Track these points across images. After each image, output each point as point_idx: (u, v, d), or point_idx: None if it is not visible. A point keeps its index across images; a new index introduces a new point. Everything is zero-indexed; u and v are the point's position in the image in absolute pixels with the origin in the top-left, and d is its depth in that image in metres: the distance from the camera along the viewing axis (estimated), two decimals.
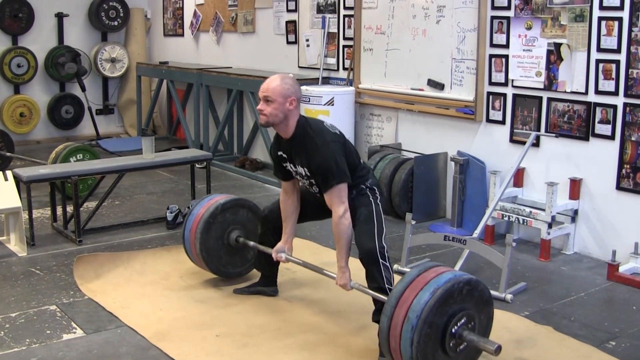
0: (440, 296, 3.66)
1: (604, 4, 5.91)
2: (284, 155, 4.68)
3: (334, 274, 4.61)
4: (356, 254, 4.47)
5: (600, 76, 6.00)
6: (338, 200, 4.42)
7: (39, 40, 11.55)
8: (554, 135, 6.34)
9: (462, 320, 3.75)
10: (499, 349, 3.70)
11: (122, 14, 12.11)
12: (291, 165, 4.67)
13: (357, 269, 4.57)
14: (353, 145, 4.80)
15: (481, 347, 3.77)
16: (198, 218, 5.34)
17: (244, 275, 5.54)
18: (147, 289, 5.44)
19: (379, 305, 4.45)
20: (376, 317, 4.48)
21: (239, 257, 5.51)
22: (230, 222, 5.43)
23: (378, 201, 4.62)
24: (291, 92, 4.48)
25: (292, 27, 9.41)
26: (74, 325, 4.80)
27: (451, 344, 3.74)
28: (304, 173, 4.59)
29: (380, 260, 4.37)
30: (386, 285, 4.36)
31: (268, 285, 5.30)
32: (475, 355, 3.94)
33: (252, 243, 5.31)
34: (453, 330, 3.72)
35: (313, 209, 4.88)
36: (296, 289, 5.42)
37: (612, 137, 5.99)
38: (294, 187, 4.85)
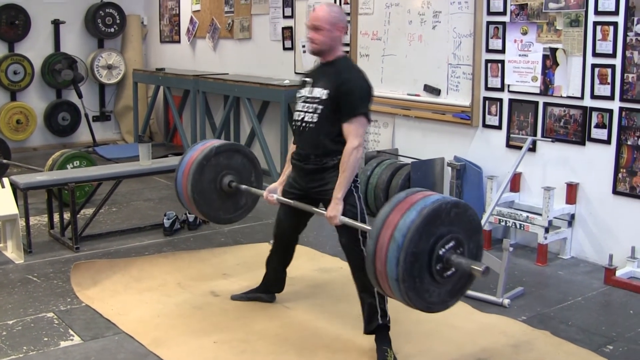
0: (427, 215, 3.56)
1: (599, 9, 5.93)
2: (308, 80, 4.71)
3: (324, 211, 4.51)
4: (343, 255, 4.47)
5: (596, 81, 6.02)
6: (355, 132, 4.39)
7: (36, 47, 11.56)
8: (550, 140, 6.35)
9: (450, 244, 3.64)
10: (487, 270, 3.55)
11: (118, 21, 12.11)
12: (308, 90, 4.64)
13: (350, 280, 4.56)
14: None
15: (467, 268, 3.61)
16: (192, 160, 5.22)
17: (233, 222, 5.41)
18: (145, 296, 5.44)
19: (366, 315, 4.49)
20: (368, 328, 4.51)
21: (231, 202, 5.37)
22: (224, 166, 5.28)
23: (358, 184, 4.55)
24: (338, 20, 4.56)
25: (288, 34, 9.42)
26: (72, 332, 4.80)
27: (438, 267, 3.62)
28: (317, 96, 4.54)
29: (361, 239, 4.39)
30: (375, 289, 4.33)
31: (266, 292, 5.30)
32: (463, 285, 3.81)
33: (244, 187, 5.23)
34: (440, 253, 3.61)
35: (291, 224, 4.94)
36: (293, 294, 5.42)
37: (608, 142, 6.00)
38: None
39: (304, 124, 4.59)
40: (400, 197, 3.79)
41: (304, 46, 9.10)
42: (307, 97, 4.62)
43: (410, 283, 3.57)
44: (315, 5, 4.60)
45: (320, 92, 4.52)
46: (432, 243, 3.60)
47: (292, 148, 4.81)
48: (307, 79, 4.72)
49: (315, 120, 4.52)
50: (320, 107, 4.50)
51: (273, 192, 4.89)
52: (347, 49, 8.33)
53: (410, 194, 3.79)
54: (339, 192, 4.40)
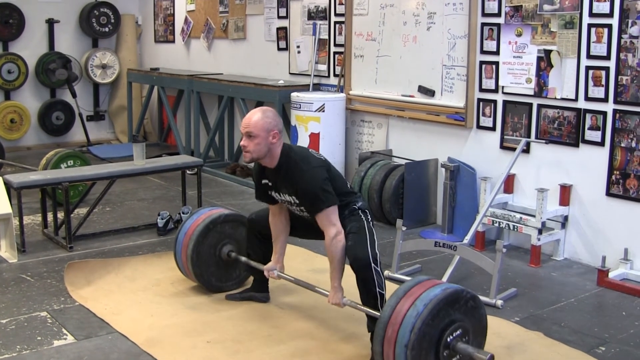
0: (450, 294, 3.78)
1: (594, 11, 5.94)
2: (269, 184, 4.70)
3: (326, 292, 4.61)
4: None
5: (590, 83, 6.03)
6: (329, 223, 4.43)
7: (30, 46, 11.55)
8: (544, 141, 6.36)
9: (458, 332, 3.78)
10: (492, 358, 3.72)
11: (113, 20, 12.11)
12: (277, 194, 4.69)
13: (351, 286, 4.56)
14: (338, 171, 4.81)
15: (474, 357, 3.77)
16: (199, 221, 5.36)
17: (222, 291, 5.44)
18: (138, 296, 5.44)
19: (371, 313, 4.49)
20: (371, 327, 4.49)
21: (224, 272, 5.48)
22: (227, 235, 5.44)
23: (370, 219, 4.62)
24: (273, 125, 4.50)
25: (283, 34, 9.42)
26: (65, 331, 4.79)
27: (445, 354, 3.75)
28: (292, 201, 4.61)
29: (372, 265, 4.36)
30: (377, 289, 4.36)
31: (260, 290, 5.30)
32: None
33: (243, 258, 5.31)
34: (448, 340, 3.74)
35: (304, 228, 4.89)
36: (287, 295, 5.42)
37: (602, 144, 6.01)
38: (281, 208, 4.87)
39: (298, 214, 4.73)
40: (420, 280, 4.00)
41: (298, 47, 9.11)
42: (284, 201, 4.70)
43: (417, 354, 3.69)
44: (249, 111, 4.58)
45: (290, 197, 4.60)
46: (443, 327, 3.75)
47: (271, 219, 4.91)
48: (265, 182, 4.72)
49: (308, 215, 4.61)
50: (302, 206, 4.59)
51: (272, 270, 4.97)
52: (342, 50, 8.35)
53: (425, 280, 3.99)
54: (335, 281, 4.52)
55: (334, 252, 4.43)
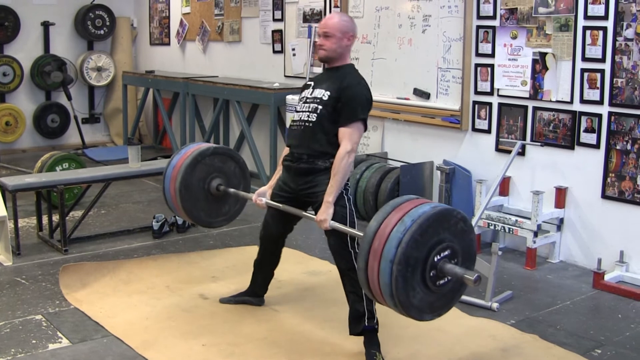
0: (440, 211, 3.65)
1: (589, 14, 5.95)
2: (309, 83, 4.76)
3: (313, 216, 4.51)
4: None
5: (585, 85, 6.04)
6: (349, 138, 4.43)
7: (25, 49, 11.53)
8: (539, 144, 6.36)
9: (446, 252, 3.65)
10: (478, 279, 3.57)
11: (108, 23, 12.10)
12: (310, 91, 4.68)
13: (339, 283, 4.56)
14: None
15: (460, 277, 3.62)
16: (186, 154, 5.25)
17: (213, 226, 5.39)
18: (133, 299, 5.43)
19: (352, 316, 4.50)
20: (355, 329, 4.50)
21: (214, 206, 5.36)
22: (216, 168, 5.31)
23: (350, 197, 4.56)
24: (349, 28, 4.60)
25: (278, 37, 9.42)
26: (60, 334, 4.78)
27: (431, 274, 3.61)
28: (318, 96, 4.57)
29: (356, 266, 4.34)
30: (363, 291, 4.34)
31: (254, 296, 5.29)
32: (454, 295, 3.81)
33: (232, 190, 5.25)
34: (435, 260, 3.61)
35: (278, 228, 4.93)
36: (282, 298, 5.41)
37: (597, 146, 6.02)
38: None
39: (301, 123, 4.62)
40: (409, 197, 3.86)
41: (293, 49, 9.10)
42: (308, 98, 4.66)
43: (406, 301, 3.58)
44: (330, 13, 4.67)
45: (322, 93, 4.56)
46: (430, 247, 3.61)
47: (284, 151, 4.81)
48: (309, 82, 4.77)
49: (313, 119, 4.54)
50: (320, 107, 4.53)
51: (262, 196, 4.88)
52: None
53: (414, 198, 3.84)
54: (329, 196, 4.40)
55: (342, 166, 4.39)
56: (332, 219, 4.38)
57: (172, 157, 5.38)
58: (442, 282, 3.68)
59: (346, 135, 4.44)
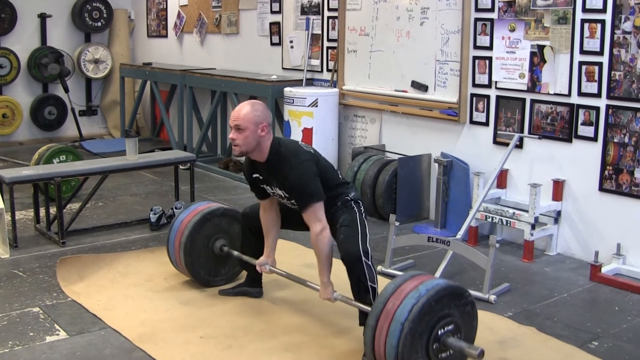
0: (451, 287, 3.83)
1: (587, 7, 5.94)
2: (260, 177, 4.69)
3: (318, 286, 4.61)
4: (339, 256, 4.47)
5: (583, 78, 6.03)
6: (314, 218, 4.43)
7: (22, 41, 11.52)
8: (537, 136, 6.37)
9: (450, 327, 3.78)
10: (481, 354, 3.70)
11: (105, 15, 12.08)
12: (268, 187, 4.69)
13: (342, 280, 4.57)
14: (328, 162, 4.80)
15: (465, 352, 3.76)
16: (197, 211, 5.38)
17: (209, 286, 5.42)
18: (131, 291, 5.43)
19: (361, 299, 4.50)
20: (362, 321, 4.49)
21: (214, 266, 5.46)
22: (222, 229, 5.45)
23: (362, 210, 4.63)
24: (262, 118, 4.49)
25: (276, 29, 9.41)
26: (57, 327, 4.78)
27: (434, 347, 3.74)
28: (282, 194, 4.61)
29: (364, 259, 4.37)
30: (369, 283, 4.38)
31: (253, 285, 5.30)
32: None
33: (236, 253, 5.30)
34: (439, 333, 3.74)
35: (296, 220, 4.87)
36: (280, 290, 5.41)
37: (594, 139, 6.02)
38: (272, 203, 4.86)
39: (290, 207, 4.72)
40: (407, 275, 4.01)
41: (291, 42, 9.09)
42: (275, 194, 4.70)
43: (409, 348, 3.67)
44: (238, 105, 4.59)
45: (280, 191, 4.61)
46: (438, 317, 3.76)
47: (262, 214, 4.91)
48: (256, 176, 4.72)
49: (296, 207, 4.59)
50: (292, 200, 4.58)
51: (264, 265, 4.96)
52: (335, 44, 8.34)
53: (412, 277, 3.97)
54: (323, 277, 4.53)
55: (320, 247, 4.44)
56: (341, 225, 4.50)
57: (181, 212, 5.51)
58: (444, 355, 3.82)
59: (310, 218, 4.45)
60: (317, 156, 4.66)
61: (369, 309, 4.05)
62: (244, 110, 4.49)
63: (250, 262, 5.10)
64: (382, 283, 4.43)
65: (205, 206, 5.48)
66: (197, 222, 5.30)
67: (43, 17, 11.68)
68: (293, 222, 4.93)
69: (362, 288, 4.42)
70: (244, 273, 5.41)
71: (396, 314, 3.70)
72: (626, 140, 5.81)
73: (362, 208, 4.65)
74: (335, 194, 4.59)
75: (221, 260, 5.47)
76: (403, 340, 3.62)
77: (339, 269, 4.54)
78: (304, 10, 8.87)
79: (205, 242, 5.38)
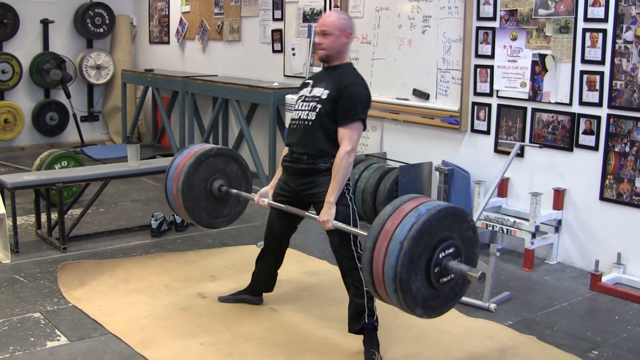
0: (448, 209, 3.70)
1: (589, 16, 5.96)
2: (308, 82, 4.75)
3: (316, 216, 4.52)
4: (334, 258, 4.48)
5: (585, 87, 6.05)
6: (349, 137, 4.43)
7: (24, 47, 11.53)
8: (538, 145, 6.37)
9: (451, 250, 3.68)
10: (483, 276, 3.60)
11: (107, 21, 12.10)
12: (309, 89, 4.68)
13: (337, 283, 4.57)
14: None
15: (464, 274, 3.65)
16: (190, 154, 5.27)
17: (213, 227, 5.42)
18: (132, 297, 5.43)
19: (351, 314, 4.50)
20: (354, 326, 4.51)
21: (215, 207, 5.36)
22: (219, 169, 5.32)
23: (351, 194, 4.57)
24: (347, 26, 4.61)
25: (278, 36, 9.42)
26: (58, 332, 4.79)
27: (436, 271, 3.64)
28: (317, 95, 4.57)
29: (359, 265, 4.37)
30: (364, 287, 4.37)
31: (254, 294, 5.30)
32: (457, 292, 3.85)
33: (234, 191, 5.25)
34: (440, 257, 3.64)
35: (283, 227, 4.92)
36: (281, 297, 5.41)
37: (595, 148, 6.03)
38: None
39: (300, 122, 4.62)
40: (413, 195, 3.89)
41: (293, 49, 9.11)
42: (307, 97, 4.66)
43: (407, 285, 3.56)
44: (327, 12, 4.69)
45: (321, 92, 4.56)
46: (438, 240, 3.64)
47: (284, 151, 4.82)
48: (307, 81, 4.77)
49: (313, 118, 4.54)
50: (319, 106, 4.53)
51: (264, 197, 4.90)
52: None
53: (400, 206, 3.81)
54: (331, 196, 4.41)
55: (343, 166, 4.40)
56: (335, 219, 4.39)
57: (175, 157, 5.37)
58: (445, 279, 3.69)
59: (346, 135, 4.44)
60: None
61: (364, 233, 3.94)
62: (331, 17, 4.63)
63: (249, 197, 5.12)
64: None
65: (198, 148, 5.34)
66: (191, 165, 5.17)
67: (45, 23, 11.70)
68: (283, 233, 4.99)
69: (356, 292, 4.44)
70: (243, 274, 5.40)
71: (395, 233, 3.60)
72: (627, 149, 5.82)
73: (350, 187, 4.58)
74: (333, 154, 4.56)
75: (222, 201, 5.37)
76: (402, 259, 3.52)
77: (335, 270, 4.54)
78: (305, 18, 8.88)
79: (202, 185, 5.25)
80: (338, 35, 4.56)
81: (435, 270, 3.63)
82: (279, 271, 5.18)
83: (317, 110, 4.53)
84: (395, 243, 3.57)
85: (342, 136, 4.45)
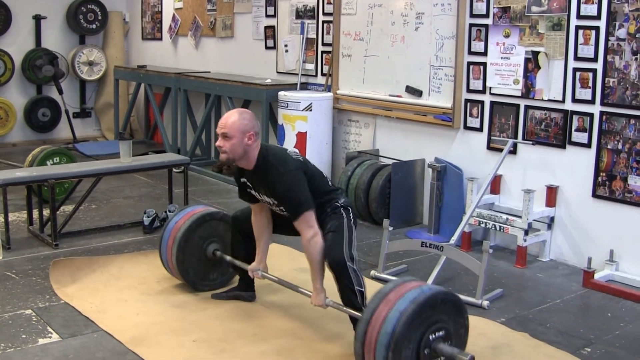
0: (428, 297, 3.74)
1: (582, 13, 5.96)
2: (248, 184, 4.72)
3: (310, 292, 4.63)
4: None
5: (577, 84, 6.05)
6: (306, 225, 4.46)
7: (16, 42, 11.50)
8: (531, 142, 6.38)
9: (440, 333, 3.77)
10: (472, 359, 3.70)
11: (100, 17, 12.07)
12: (256, 193, 4.71)
13: (334, 287, 4.56)
14: (317, 169, 4.80)
15: (454, 357, 3.75)
16: (196, 211, 5.40)
17: (196, 289, 5.41)
18: (124, 294, 5.42)
19: (349, 304, 4.50)
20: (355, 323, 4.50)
21: (203, 269, 5.44)
22: (218, 234, 5.44)
23: (351, 217, 4.63)
24: (249, 127, 4.51)
25: (270, 33, 9.41)
26: (50, 329, 4.77)
27: (426, 352, 3.72)
28: (271, 202, 4.63)
29: (349, 264, 4.40)
30: (356, 287, 4.40)
31: (246, 290, 5.29)
32: None
33: (228, 257, 5.29)
34: (429, 341, 3.72)
35: (287, 225, 4.88)
36: (273, 294, 5.41)
37: (588, 145, 6.03)
38: (263, 207, 4.87)
39: (279, 213, 4.73)
40: (397, 282, 3.98)
41: (286, 46, 9.09)
42: (264, 201, 4.71)
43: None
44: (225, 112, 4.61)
45: (268, 199, 4.62)
46: (421, 332, 3.72)
47: (253, 218, 4.91)
48: (244, 180, 4.74)
49: (286, 214, 4.61)
50: (281, 207, 4.59)
51: (256, 270, 4.98)
52: (330, 49, 8.35)
53: (402, 283, 3.93)
54: (316, 283, 4.55)
55: (312, 253, 4.46)
56: (330, 230, 4.51)
57: (177, 213, 5.50)
58: None
59: (301, 226, 4.48)
60: (306, 163, 4.68)
61: (360, 315, 4.05)
62: (231, 119, 4.52)
63: (243, 267, 5.10)
64: (375, 288, 4.43)
65: (204, 208, 5.50)
66: (195, 221, 5.31)
67: (38, 19, 11.67)
68: (284, 227, 4.93)
69: (349, 292, 4.43)
70: (235, 279, 5.42)
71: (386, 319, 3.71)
72: (620, 146, 5.82)
73: (351, 214, 4.65)
74: (324, 200, 4.60)
75: (212, 265, 5.46)
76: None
77: (328, 274, 4.53)
78: (299, 15, 8.87)
79: (199, 243, 5.36)
80: (240, 138, 4.48)
81: (426, 352, 3.73)
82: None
83: (284, 210, 4.60)
84: (395, 313, 3.69)
85: (299, 227, 4.50)
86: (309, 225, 4.44)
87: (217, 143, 4.54)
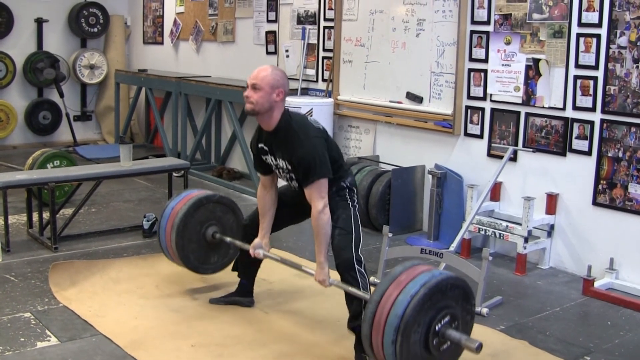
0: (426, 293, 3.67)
1: (583, 21, 5.97)
2: (265, 148, 4.68)
3: (312, 270, 4.59)
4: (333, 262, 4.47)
5: (578, 92, 6.05)
6: (318, 195, 4.41)
7: (18, 45, 11.50)
8: (531, 150, 6.38)
9: (446, 319, 3.72)
10: (480, 347, 3.66)
11: (102, 21, 12.07)
12: (272, 158, 4.66)
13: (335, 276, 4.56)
14: (335, 142, 4.79)
15: (463, 345, 3.71)
16: (192, 195, 5.38)
17: (198, 272, 5.44)
18: (123, 298, 5.41)
19: (352, 311, 4.49)
20: (351, 323, 4.49)
21: (204, 252, 5.41)
22: (216, 217, 5.40)
23: (355, 203, 4.62)
24: (280, 84, 4.50)
25: (272, 38, 9.42)
26: (49, 333, 4.76)
27: (434, 342, 3.68)
28: (284, 167, 4.59)
29: (357, 267, 4.40)
30: (362, 291, 4.37)
31: (244, 295, 5.28)
32: (456, 356, 3.89)
33: (228, 239, 5.28)
34: (437, 328, 3.68)
35: (290, 211, 4.88)
36: (272, 299, 5.41)
37: (589, 153, 6.03)
38: (273, 182, 4.85)
39: (291, 186, 4.71)
40: (407, 265, 3.94)
41: (287, 51, 9.10)
42: (277, 166, 4.68)
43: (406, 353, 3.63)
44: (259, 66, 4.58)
45: (283, 162, 4.58)
46: (431, 317, 3.68)
47: (260, 193, 4.88)
48: (262, 146, 4.72)
49: (297, 185, 4.60)
50: (293, 174, 4.57)
51: (258, 248, 4.92)
52: (331, 54, 8.35)
53: (413, 266, 3.91)
54: (320, 257, 4.49)
55: (320, 225, 4.42)
56: (338, 226, 4.50)
57: (173, 199, 5.48)
58: (445, 347, 3.76)
59: (312, 195, 4.44)
60: (326, 132, 4.66)
61: (361, 293, 4.11)
62: (264, 72, 4.51)
63: (243, 247, 5.07)
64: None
65: (201, 192, 5.47)
66: (192, 205, 5.27)
67: (39, 22, 11.67)
68: (289, 214, 4.95)
69: (354, 296, 4.42)
70: (235, 280, 5.40)
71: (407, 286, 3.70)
72: (620, 154, 5.82)
73: (355, 198, 4.64)
74: (334, 177, 4.56)
75: (212, 248, 5.43)
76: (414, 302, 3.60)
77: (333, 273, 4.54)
78: (300, 20, 8.88)
79: (197, 227, 5.33)
80: (269, 92, 4.46)
81: (434, 342, 3.69)
82: (270, 273, 5.17)
83: (295, 177, 4.58)
84: (405, 296, 3.64)
85: (309, 197, 4.47)
86: (320, 196, 4.41)
87: (246, 93, 4.52)
